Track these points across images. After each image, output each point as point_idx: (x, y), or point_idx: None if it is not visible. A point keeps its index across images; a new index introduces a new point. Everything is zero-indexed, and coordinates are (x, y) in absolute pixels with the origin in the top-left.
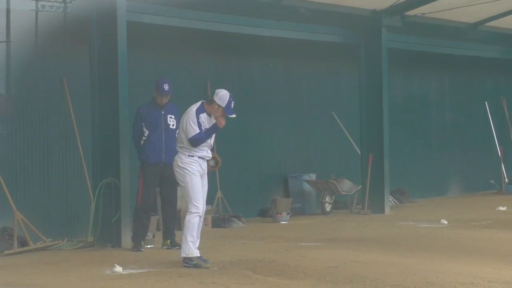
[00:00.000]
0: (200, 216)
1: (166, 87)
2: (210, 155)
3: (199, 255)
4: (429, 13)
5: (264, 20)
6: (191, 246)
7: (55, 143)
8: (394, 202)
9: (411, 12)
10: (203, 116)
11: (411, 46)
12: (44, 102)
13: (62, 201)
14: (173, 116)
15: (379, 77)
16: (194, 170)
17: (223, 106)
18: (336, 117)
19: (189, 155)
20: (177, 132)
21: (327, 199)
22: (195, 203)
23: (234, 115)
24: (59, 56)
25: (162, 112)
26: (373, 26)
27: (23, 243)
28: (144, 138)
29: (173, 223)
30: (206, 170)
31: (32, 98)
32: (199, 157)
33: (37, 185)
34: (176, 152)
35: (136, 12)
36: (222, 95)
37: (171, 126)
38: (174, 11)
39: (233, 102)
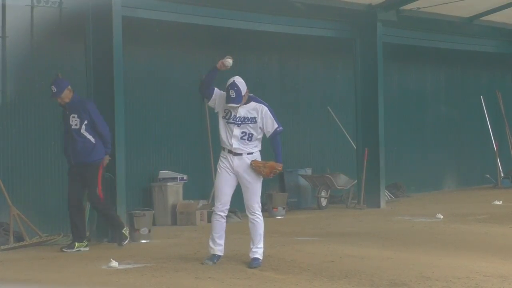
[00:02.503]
0: (218, 214)
1: (53, 88)
2: (235, 147)
3: (214, 253)
4: (425, 7)
5: (260, 15)
6: (209, 242)
7: (51, 138)
8: (390, 197)
9: (407, 7)
10: (219, 93)
11: (406, 41)
12: (40, 97)
13: (58, 196)
14: (75, 115)
15: (375, 71)
16: (221, 167)
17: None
18: (331, 111)
19: (221, 150)
20: (82, 131)
21: (323, 193)
22: (216, 200)
23: (232, 104)
24: (54, 51)
25: (67, 113)
26: (369, 21)
27: (19, 238)
28: None
29: (108, 221)
30: (239, 167)
31: (28, 93)
32: (228, 152)
33: (33, 180)
34: (85, 153)
35: (132, 7)
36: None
37: (73, 127)
38: (169, 6)
39: (231, 90)
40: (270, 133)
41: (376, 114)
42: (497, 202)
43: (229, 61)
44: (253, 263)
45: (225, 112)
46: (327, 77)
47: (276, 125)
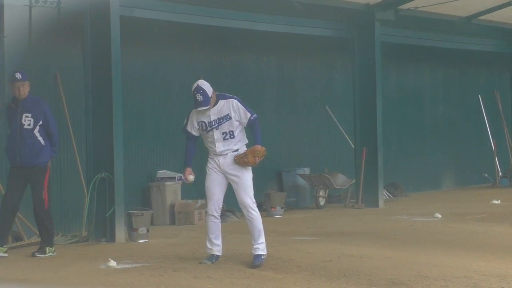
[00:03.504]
0: (211, 215)
1: (18, 75)
2: (221, 150)
3: (212, 253)
4: (423, 7)
5: (258, 14)
6: (206, 244)
7: None
8: (388, 196)
9: (405, 6)
10: (192, 112)
11: (404, 40)
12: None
13: (56, 196)
14: (29, 115)
15: (373, 71)
16: (209, 167)
17: None
18: (329, 111)
19: (209, 152)
20: (35, 131)
21: (321, 193)
22: (208, 202)
23: (201, 108)
24: (52, 50)
25: (18, 111)
26: (367, 20)
27: (17, 238)
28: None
29: (41, 229)
30: (224, 165)
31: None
32: (214, 154)
33: None
34: (33, 154)
35: (129, 7)
36: None
37: (25, 126)
38: (167, 6)
39: (198, 94)
40: (246, 123)
41: (374, 114)
42: (495, 201)
43: (190, 180)
44: (256, 261)
45: (199, 125)
46: (325, 77)
47: (249, 114)
